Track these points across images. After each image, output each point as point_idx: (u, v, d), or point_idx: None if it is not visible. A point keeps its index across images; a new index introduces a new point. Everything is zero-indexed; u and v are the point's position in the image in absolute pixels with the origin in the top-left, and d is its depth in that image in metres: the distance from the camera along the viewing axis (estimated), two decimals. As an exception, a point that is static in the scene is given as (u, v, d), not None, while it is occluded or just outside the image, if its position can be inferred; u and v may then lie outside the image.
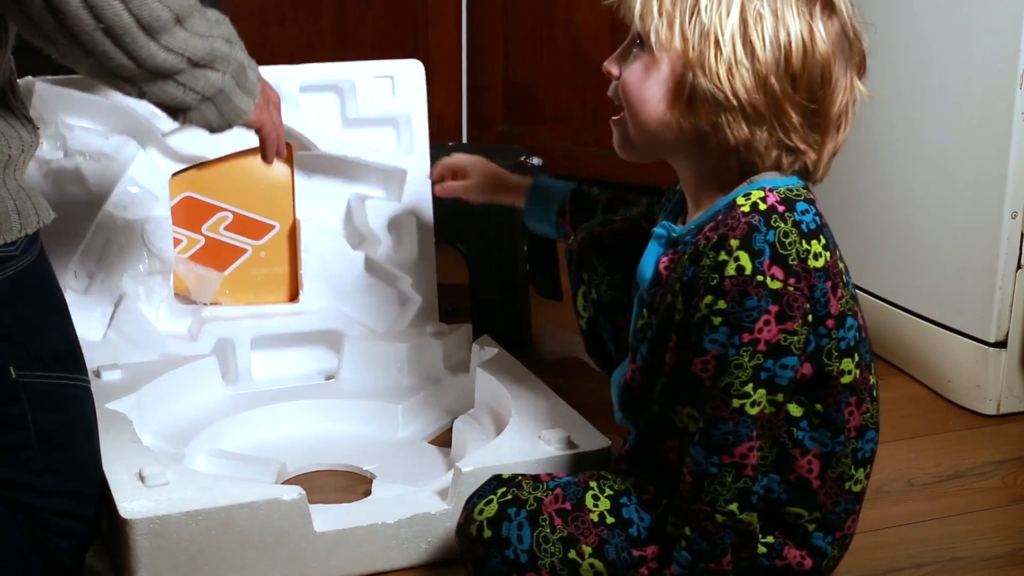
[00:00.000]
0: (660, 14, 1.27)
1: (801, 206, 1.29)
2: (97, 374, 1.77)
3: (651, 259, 1.38)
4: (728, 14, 1.25)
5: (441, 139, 2.66)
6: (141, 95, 1.32)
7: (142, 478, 1.46)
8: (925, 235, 1.99)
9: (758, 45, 1.24)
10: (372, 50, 2.34)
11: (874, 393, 1.37)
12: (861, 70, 1.32)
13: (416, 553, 1.50)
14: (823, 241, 1.29)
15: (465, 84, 2.75)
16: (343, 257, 1.98)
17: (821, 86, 1.27)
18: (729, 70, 1.25)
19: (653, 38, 1.28)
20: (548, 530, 1.34)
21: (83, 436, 1.44)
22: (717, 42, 1.25)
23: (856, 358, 1.33)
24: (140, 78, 1.29)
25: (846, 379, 1.32)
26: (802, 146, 1.28)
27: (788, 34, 1.25)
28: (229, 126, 1.43)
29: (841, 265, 1.33)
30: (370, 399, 1.86)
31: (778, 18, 1.25)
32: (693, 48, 1.26)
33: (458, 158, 1.82)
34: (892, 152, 2.03)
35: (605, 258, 1.60)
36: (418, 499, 1.53)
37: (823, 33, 1.26)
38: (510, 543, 1.34)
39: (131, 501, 1.42)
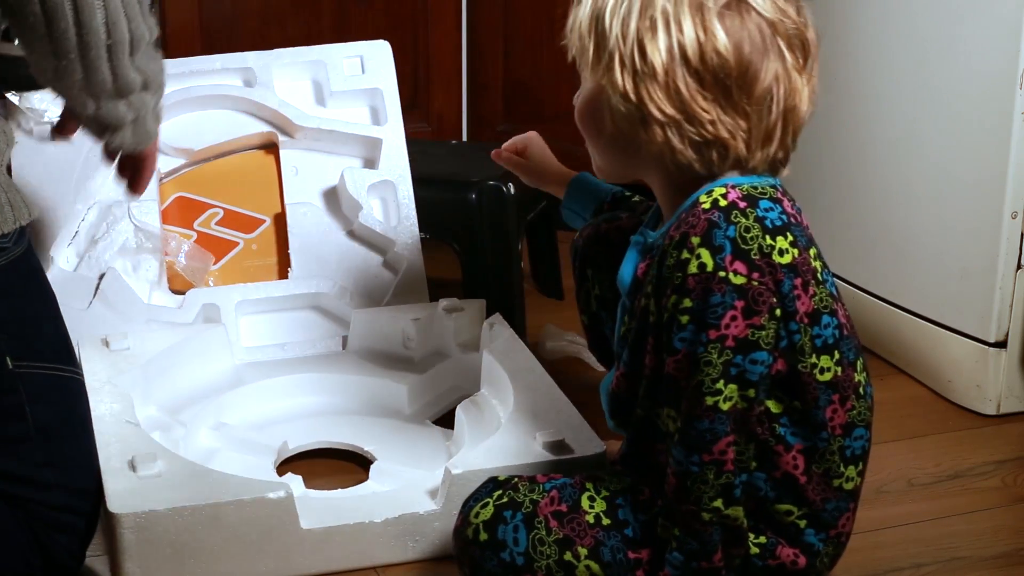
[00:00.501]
0: (580, 42, 1.34)
1: (765, 204, 1.30)
2: (106, 343, 1.77)
3: (629, 266, 1.40)
4: (628, 34, 1.29)
5: (441, 138, 2.67)
6: (96, 110, 1.39)
7: (133, 467, 1.47)
8: (925, 235, 1.99)
9: (655, 55, 1.28)
10: (372, 50, 2.33)
11: (860, 391, 1.36)
12: (803, 50, 1.32)
13: (403, 551, 1.51)
14: (790, 238, 1.30)
15: (465, 84, 2.75)
16: (330, 236, 2.00)
17: (728, 78, 1.28)
18: (635, 83, 1.29)
19: (579, 67, 1.36)
20: (544, 532, 1.35)
21: (79, 429, 1.44)
22: (621, 60, 1.30)
23: (836, 355, 1.33)
24: (107, 94, 1.37)
25: (825, 376, 1.33)
26: (724, 134, 1.29)
27: (683, 37, 1.28)
28: (134, 149, 1.50)
29: (816, 264, 1.33)
30: (377, 374, 1.86)
31: (670, 26, 1.28)
32: (604, 70, 1.31)
33: (521, 137, 1.81)
34: (892, 152, 2.03)
35: (610, 255, 1.60)
36: (407, 498, 1.53)
37: (722, 30, 1.28)
38: (506, 546, 1.35)
39: (120, 494, 1.43)
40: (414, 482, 1.58)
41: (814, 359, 1.32)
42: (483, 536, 1.36)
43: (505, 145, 1.80)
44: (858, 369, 1.37)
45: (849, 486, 1.37)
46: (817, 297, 1.32)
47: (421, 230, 2.01)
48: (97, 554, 1.50)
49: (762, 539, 1.36)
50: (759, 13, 1.29)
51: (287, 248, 1.99)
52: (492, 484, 1.40)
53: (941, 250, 1.96)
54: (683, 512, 1.30)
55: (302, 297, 1.95)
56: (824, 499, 1.36)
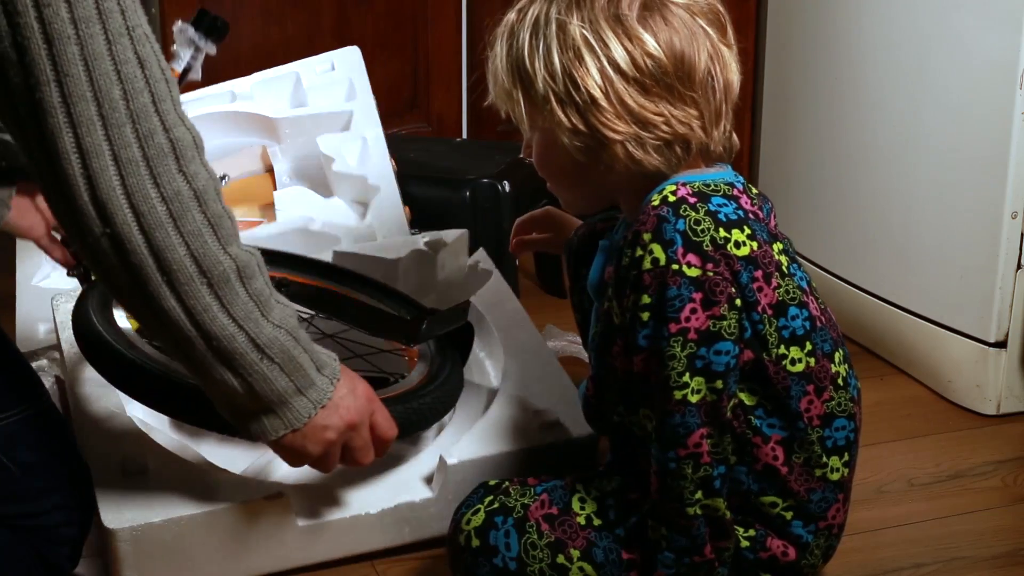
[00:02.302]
0: (509, 97, 1.35)
1: (717, 200, 1.31)
2: None
3: (596, 270, 1.42)
4: (555, 72, 1.30)
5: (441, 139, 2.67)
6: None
7: (125, 472, 1.47)
8: (925, 235, 1.98)
9: (589, 82, 1.28)
10: (372, 50, 2.34)
11: (840, 382, 1.37)
12: (719, 24, 1.33)
13: (399, 536, 1.51)
14: (747, 231, 1.31)
15: (465, 84, 2.75)
16: (316, 203, 2.01)
17: (667, 75, 1.29)
18: (580, 115, 1.30)
19: (516, 119, 1.35)
20: (535, 536, 1.35)
21: (64, 451, 1.42)
22: (560, 99, 1.30)
23: (808, 347, 1.33)
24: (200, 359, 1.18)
25: (797, 367, 1.33)
26: (681, 129, 1.30)
27: (612, 53, 1.28)
28: (296, 427, 1.26)
29: (780, 258, 1.34)
30: None
31: (595, 48, 1.28)
32: (546, 114, 1.31)
33: (528, 217, 1.76)
34: (892, 152, 2.03)
35: None
36: (402, 485, 1.53)
37: (647, 33, 1.29)
38: (498, 551, 1.35)
39: (114, 505, 1.43)
40: (409, 467, 1.57)
41: (783, 350, 1.32)
42: (475, 542, 1.36)
43: (515, 232, 1.74)
44: (836, 361, 1.37)
45: (835, 477, 1.37)
46: (783, 289, 1.32)
47: (416, 227, 2.01)
48: (86, 554, 1.49)
49: (751, 532, 1.37)
50: (674, 3, 1.31)
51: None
52: (483, 490, 1.41)
53: (941, 250, 1.96)
54: (668, 510, 1.31)
55: (287, 235, 1.95)
56: (809, 490, 1.36)
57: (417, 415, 1.45)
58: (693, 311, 1.26)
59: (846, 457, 1.38)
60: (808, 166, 2.25)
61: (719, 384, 1.28)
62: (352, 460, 1.34)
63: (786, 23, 2.30)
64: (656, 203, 1.30)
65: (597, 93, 1.28)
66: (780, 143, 2.35)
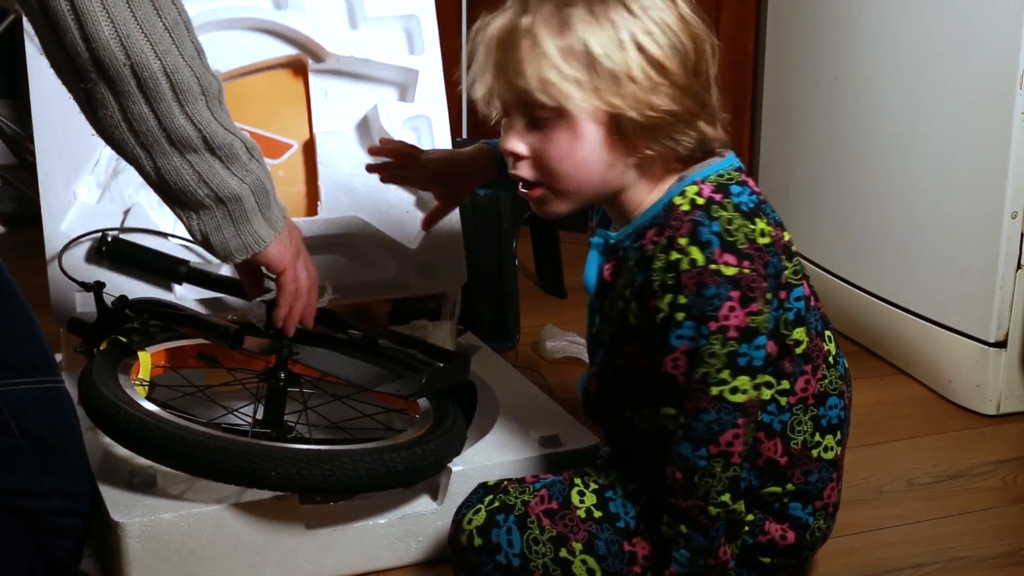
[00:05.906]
0: (563, 78, 1.27)
1: (735, 189, 1.32)
2: None
3: (593, 268, 1.40)
4: (623, 47, 1.27)
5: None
6: (156, 170, 1.29)
7: (130, 471, 1.47)
8: (925, 235, 1.99)
9: (663, 58, 1.27)
10: (372, 50, 2.33)
11: (830, 360, 1.38)
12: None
13: (407, 552, 1.51)
14: (765, 218, 1.31)
15: (465, 84, 2.75)
16: (361, 169, 1.80)
17: (706, 59, 1.31)
18: (653, 93, 1.27)
19: (566, 102, 1.28)
20: (537, 531, 1.35)
21: (69, 434, 1.43)
22: (630, 77, 1.27)
23: (807, 327, 1.35)
24: (154, 141, 1.27)
25: (800, 348, 1.34)
26: (720, 115, 1.33)
27: (677, 36, 1.28)
28: (245, 251, 1.37)
29: (786, 237, 1.35)
30: None
31: (661, 27, 1.28)
32: (610, 93, 1.27)
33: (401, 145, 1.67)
34: (892, 152, 2.03)
35: None
36: (409, 498, 1.53)
37: (691, 13, 1.31)
38: (501, 548, 1.36)
39: (122, 501, 1.42)
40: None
41: (790, 332, 1.33)
42: (477, 541, 1.36)
43: (387, 146, 1.64)
44: (826, 339, 1.38)
45: (829, 455, 1.38)
46: (790, 271, 1.33)
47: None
48: (86, 554, 1.49)
49: (749, 516, 1.37)
50: None
51: (316, 178, 1.90)
52: (483, 490, 1.42)
53: (941, 250, 1.96)
54: (689, 508, 1.30)
55: (331, 237, 1.85)
56: (806, 472, 1.37)
57: (420, 460, 1.47)
58: (731, 309, 1.26)
59: (839, 435, 1.39)
60: (808, 166, 2.25)
61: (760, 379, 1.29)
62: (300, 288, 1.46)
63: (786, 23, 2.30)
64: (686, 208, 1.30)
65: (673, 72, 1.28)
66: (780, 143, 2.35)
